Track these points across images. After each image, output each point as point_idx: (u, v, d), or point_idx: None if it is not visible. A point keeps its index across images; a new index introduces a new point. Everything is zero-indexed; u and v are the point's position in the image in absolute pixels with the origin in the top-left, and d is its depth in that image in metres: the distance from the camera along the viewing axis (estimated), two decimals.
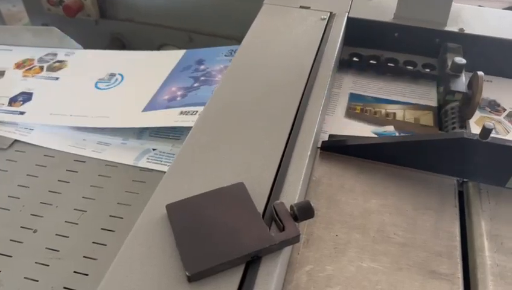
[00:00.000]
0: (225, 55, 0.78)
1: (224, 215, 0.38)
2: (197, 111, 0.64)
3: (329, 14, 0.68)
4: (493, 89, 0.65)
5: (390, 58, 0.68)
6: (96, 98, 0.73)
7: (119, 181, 0.61)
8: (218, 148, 0.46)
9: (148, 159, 0.63)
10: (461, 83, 0.58)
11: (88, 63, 0.82)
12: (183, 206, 0.39)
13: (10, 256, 0.53)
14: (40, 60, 0.83)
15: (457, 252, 0.46)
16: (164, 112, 0.67)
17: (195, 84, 0.72)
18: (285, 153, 0.46)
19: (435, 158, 0.52)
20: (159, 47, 1.14)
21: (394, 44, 0.68)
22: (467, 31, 0.65)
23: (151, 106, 0.69)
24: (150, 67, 0.80)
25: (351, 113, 0.61)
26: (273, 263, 0.36)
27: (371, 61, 0.68)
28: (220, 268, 0.35)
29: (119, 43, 1.19)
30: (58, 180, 0.62)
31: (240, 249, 0.36)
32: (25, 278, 0.50)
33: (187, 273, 0.34)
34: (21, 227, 0.56)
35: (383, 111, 0.61)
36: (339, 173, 0.54)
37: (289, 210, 0.39)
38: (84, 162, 0.65)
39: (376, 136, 0.58)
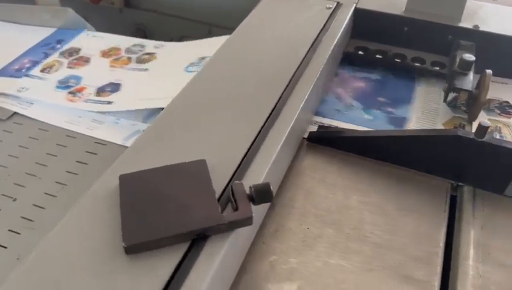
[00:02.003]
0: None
1: (177, 191, 0.36)
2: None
3: (335, 3, 0.65)
4: (507, 90, 0.60)
5: (397, 54, 0.64)
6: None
7: (104, 159, 0.60)
8: (189, 127, 0.44)
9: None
10: (468, 81, 0.54)
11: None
12: (137, 178, 0.37)
13: None
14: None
15: (438, 259, 0.42)
16: (6, 79, 0.72)
17: (42, 60, 0.78)
18: (258, 138, 0.43)
19: (427, 157, 0.48)
20: (180, 39, 1.14)
21: (403, 39, 0.64)
22: (482, 29, 0.60)
23: (1, 73, 0.74)
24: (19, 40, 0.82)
25: None
26: (219, 243, 0.34)
27: (377, 56, 0.65)
28: (161, 243, 0.33)
29: (141, 33, 1.20)
30: (47, 153, 0.62)
31: (185, 225, 0.34)
32: None
33: (123, 245, 0.32)
34: (2, 195, 0.56)
35: None
36: (323, 166, 0.51)
37: (247, 192, 0.37)
38: (75, 138, 0.64)
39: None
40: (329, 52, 0.55)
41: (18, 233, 0.51)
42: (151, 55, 0.80)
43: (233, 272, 0.38)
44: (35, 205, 0.55)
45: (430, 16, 0.62)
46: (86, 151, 0.62)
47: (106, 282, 0.31)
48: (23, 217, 0.53)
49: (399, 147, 0.48)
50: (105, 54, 0.81)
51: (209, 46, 0.75)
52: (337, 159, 0.52)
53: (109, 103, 0.68)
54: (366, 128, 0.54)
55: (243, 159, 0.41)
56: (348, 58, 0.66)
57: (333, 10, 0.63)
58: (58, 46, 0.82)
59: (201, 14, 1.11)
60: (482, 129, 0.43)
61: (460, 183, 0.48)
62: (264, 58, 0.54)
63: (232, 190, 0.36)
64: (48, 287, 0.31)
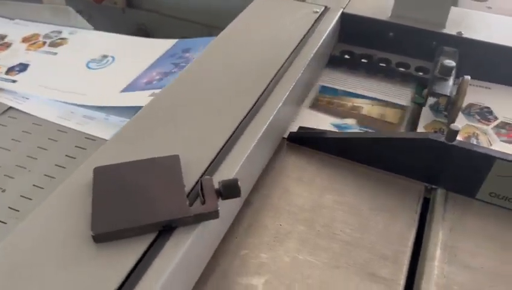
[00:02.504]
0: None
1: (148, 184, 0.38)
2: None
3: (323, 7, 0.66)
4: (490, 96, 0.60)
5: (382, 58, 0.65)
6: (84, 76, 0.76)
7: (92, 154, 0.62)
8: (167, 123, 0.46)
9: None
10: (447, 86, 0.54)
11: (87, 42, 0.85)
12: (110, 171, 0.39)
13: None
14: (46, 36, 0.87)
15: (405, 258, 0.43)
16: (137, 93, 0.68)
17: (174, 70, 0.73)
18: (234, 135, 0.45)
19: (401, 159, 0.49)
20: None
21: (389, 44, 0.65)
22: (465, 35, 0.61)
23: (130, 88, 0.71)
24: (141, 53, 0.81)
25: (316, 105, 0.59)
26: (185, 235, 0.35)
27: (363, 60, 0.66)
28: (128, 233, 0.35)
29: (143, 33, 1.22)
30: (38, 147, 0.64)
31: (152, 216, 0.35)
32: None
33: (92, 233, 0.34)
34: None
35: (350, 104, 0.59)
36: (301, 166, 0.52)
37: (216, 187, 0.38)
38: (66, 132, 0.66)
39: (335, 129, 0.55)
40: (312, 54, 0.57)
41: (4, 223, 0.53)
42: (63, 40, 0.85)
43: (200, 264, 0.39)
44: (22, 196, 0.56)
45: (415, 22, 0.63)
46: (76, 146, 0.64)
47: (73, 269, 0.32)
48: (10, 208, 0.55)
49: (374, 149, 0.49)
50: (25, 39, 0.87)
51: (114, 42, 0.84)
52: (315, 160, 0.53)
53: (13, 81, 0.75)
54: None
55: (216, 156, 0.42)
56: (334, 62, 0.67)
57: (320, 14, 0.65)
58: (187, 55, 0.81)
59: (201, 15, 1.12)
60: (452, 133, 0.44)
61: (434, 186, 0.49)
62: (248, 58, 0.56)
63: (201, 185, 0.38)
64: (16, 272, 0.32)
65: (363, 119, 0.57)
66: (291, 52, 0.57)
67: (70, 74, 0.77)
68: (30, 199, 0.56)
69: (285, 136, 0.55)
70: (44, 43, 0.85)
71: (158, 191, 0.37)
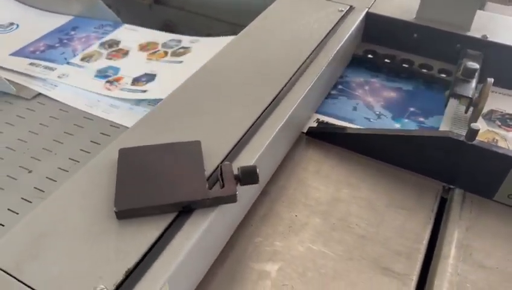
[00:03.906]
0: (94, 28, 0.90)
1: (170, 167, 0.39)
2: (43, 66, 0.78)
3: (348, 7, 0.66)
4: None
5: (405, 59, 0.65)
6: None
7: None
8: (190, 112, 0.47)
9: None
10: (469, 88, 0.54)
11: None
12: (135, 152, 0.40)
13: (2, 189, 0.57)
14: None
15: (420, 255, 0.43)
16: (18, 59, 0.79)
17: (57, 44, 0.84)
18: (254, 125, 0.46)
19: (420, 157, 0.49)
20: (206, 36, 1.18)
21: (412, 45, 0.65)
22: (490, 39, 0.61)
23: (17, 52, 0.81)
24: (43, 24, 0.90)
25: None
26: (203, 217, 0.36)
27: (386, 60, 0.66)
28: (149, 211, 0.36)
29: (169, 29, 1.24)
30: (64, 132, 0.66)
31: (173, 197, 0.36)
32: (8, 209, 0.54)
33: (114, 209, 0.35)
34: (19, 166, 0.60)
35: None
36: (319, 160, 0.53)
37: (235, 172, 0.39)
38: (92, 120, 0.68)
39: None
40: (335, 52, 0.57)
41: (29, 201, 0.55)
42: (186, 49, 0.83)
43: (216, 247, 0.41)
44: (48, 178, 0.58)
45: (439, 24, 0.63)
46: (100, 133, 0.66)
47: (95, 241, 0.34)
48: (35, 188, 0.57)
49: (393, 146, 0.50)
50: (143, 47, 0.84)
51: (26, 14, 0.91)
52: (333, 154, 0.53)
53: (143, 91, 0.72)
54: None
55: (237, 144, 0.43)
56: (357, 61, 0.67)
57: (345, 13, 0.65)
58: (73, 32, 0.89)
59: (227, 13, 1.14)
60: (472, 132, 0.44)
61: (452, 186, 0.49)
62: (271, 54, 0.57)
63: (220, 170, 0.39)
64: (43, 240, 0.34)
65: None
66: (314, 49, 0.57)
67: None
68: (55, 180, 0.58)
69: (305, 130, 0.55)
70: (165, 52, 0.82)
71: (179, 173, 0.38)
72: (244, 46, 0.59)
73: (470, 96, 0.53)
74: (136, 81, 0.75)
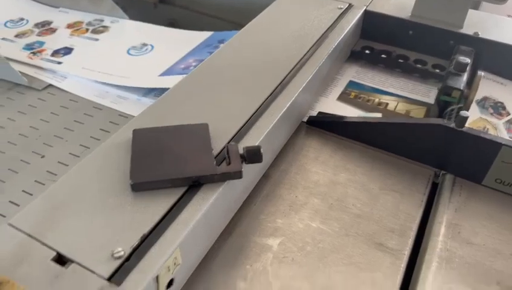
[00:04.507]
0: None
1: (181, 146, 0.42)
2: None
3: (347, 4, 0.70)
4: (504, 91, 0.63)
5: (401, 55, 0.69)
6: (125, 61, 0.81)
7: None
8: (198, 97, 0.50)
9: None
10: (460, 81, 0.57)
11: (127, 31, 0.90)
12: (147, 133, 0.43)
13: (16, 172, 0.60)
14: (89, 23, 0.94)
15: (412, 233, 0.46)
16: (175, 77, 0.74)
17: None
18: (258, 111, 0.49)
19: (413, 144, 0.52)
20: None
21: (408, 41, 0.68)
22: (481, 36, 0.64)
23: (168, 72, 0.77)
24: (179, 42, 0.86)
25: (344, 98, 0.63)
26: (211, 191, 0.39)
27: (382, 56, 0.69)
28: (162, 184, 0.39)
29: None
30: (74, 120, 0.69)
31: (183, 171, 0.39)
32: (22, 191, 0.57)
33: (130, 182, 0.38)
34: (32, 151, 0.63)
35: (376, 100, 0.62)
36: (318, 147, 0.56)
37: (241, 152, 0.42)
38: (101, 109, 0.71)
39: None
40: (333, 47, 0.60)
41: (43, 184, 0.58)
42: (105, 28, 0.92)
43: (223, 219, 0.43)
44: (60, 162, 0.61)
45: (434, 22, 0.66)
46: (110, 122, 0.69)
47: (112, 209, 0.37)
48: (48, 171, 0.60)
49: (387, 133, 0.53)
50: (70, 25, 0.94)
51: (152, 32, 0.91)
52: (331, 142, 0.56)
53: (59, 63, 0.81)
54: None
55: (241, 128, 0.46)
56: (355, 56, 0.70)
57: (344, 10, 0.69)
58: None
59: (231, 13, 1.17)
60: (462, 119, 0.47)
61: (443, 171, 0.52)
62: (273, 47, 0.60)
63: (227, 149, 0.42)
64: (63, 209, 0.37)
65: (388, 115, 0.60)
66: (314, 44, 0.61)
67: (111, 58, 0.83)
68: (67, 165, 0.61)
69: (305, 120, 0.58)
70: (87, 30, 0.91)
71: (189, 152, 0.41)
72: (247, 40, 0.62)
73: (461, 88, 0.56)
74: (55, 53, 0.84)
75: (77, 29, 0.91)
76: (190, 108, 0.49)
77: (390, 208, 0.49)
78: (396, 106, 0.61)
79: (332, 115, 0.58)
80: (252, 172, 0.46)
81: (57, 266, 0.33)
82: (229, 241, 0.44)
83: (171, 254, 0.34)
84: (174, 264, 0.35)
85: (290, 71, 0.55)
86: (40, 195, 0.38)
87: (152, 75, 0.76)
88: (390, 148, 0.54)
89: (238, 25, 1.15)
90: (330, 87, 0.66)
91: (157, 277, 0.33)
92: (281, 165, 0.53)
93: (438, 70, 0.66)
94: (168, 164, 0.40)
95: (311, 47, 0.60)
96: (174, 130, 0.44)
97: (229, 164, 0.41)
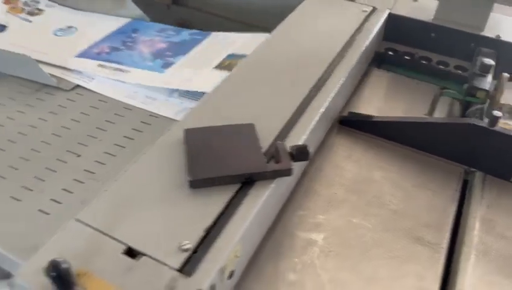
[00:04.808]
0: (156, 31, 0.95)
1: (231, 145, 0.44)
2: (112, 67, 0.82)
3: (372, 8, 0.72)
4: None
5: (424, 57, 0.71)
6: (49, 40, 0.89)
7: (157, 128, 0.68)
8: (240, 95, 0.52)
9: None
10: (486, 82, 0.60)
11: (59, 15, 0.97)
12: (198, 132, 0.45)
13: (55, 171, 0.61)
14: (25, 3, 0.98)
15: (448, 227, 0.48)
16: (86, 60, 0.83)
17: (121, 47, 0.88)
18: (297, 111, 0.51)
19: (443, 143, 0.54)
20: None
21: (430, 44, 0.71)
22: (503, 38, 0.66)
23: (82, 54, 0.85)
24: (102, 28, 0.94)
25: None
26: (264, 188, 0.41)
27: (406, 57, 0.71)
28: (217, 181, 0.41)
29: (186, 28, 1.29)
30: (106, 120, 0.70)
31: (237, 169, 0.41)
32: (62, 189, 0.58)
33: (189, 178, 0.40)
34: (67, 151, 0.65)
35: None
36: (350, 146, 0.58)
37: (288, 150, 0.44)
38: (131, 110, 0.73)
39: None
40: (363, 49, 0.63)
41: (82, 182, 0.60)
42: (40, 11, 0.97)
43: (272, 215, 0.45)
44: (97, 161, 0.63)
45: (456, 24, 0.69)
46: (141, 122, 0.70)
47: (173, 205, 0.39)
48: (86, 170, 0.62)
49: (418, 133, 0.55)
50: (7, 1, 0.98)
51: (80, 17, 0.97)
52: (362, 141, 0.58)
53: None
54: None
55: (284, 126, 0.48)
56: (379, 58, 0.73)
57: (369, 14, 0.71)
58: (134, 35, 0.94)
59: (244, 14, 1.18)
60: (494, 119, 0.49)
61: (473, 169, 0.55)
62: (304, 49, 0.62)
63: (276, 148, 0.44)
64: (127, 206, 0.38)
65: None
66: (343, 46, 0.63)
67: (37, 36, 0.89)
68: (104, 163, 0.63)
69: (336, 119, 0.60)
70: (23, 10, 0.97)
71: (240, 150, 0.43)
72: (278, 43, 0.64)
73: (487, 89, 0.59)
74: None
75: (14, 7, 0.96)
76: (232, 108, 0.50)
77: (424, 204, 0.51)
78: None
79: (362, 114, 0.60)
80: (297, 169, 0.48)
81: (128, 259, 0.34)
82: (273, 237, 0.46)
83: (234, 247, 0.36)
84: (235, 256, 0.37)
85: (324, 72, 0.57)
86: (103, 192, 0.40)
87: (69, 55, 0.84)
88: (420, 147, 0.56)
89: (249, 26, 1.17)
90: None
91: (223, 268, 0.35)
92: (316, 163, 0.55)
93: (460, 72, 0.69)
94: (223, 161, 0.42)
95: (341, 49, 0.62)
96: (223, 130, 0.46)
97: (277, 162, 0.43)
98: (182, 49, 0.88)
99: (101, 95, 0.77)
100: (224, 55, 0.84)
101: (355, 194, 0.51)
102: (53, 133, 0.68)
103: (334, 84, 0.56)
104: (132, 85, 0.77)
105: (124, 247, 0.35)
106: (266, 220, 0.44)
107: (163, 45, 0.90)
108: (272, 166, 0.42)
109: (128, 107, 0.73)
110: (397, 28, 0.72)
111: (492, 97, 0.59)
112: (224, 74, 0.76)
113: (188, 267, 0.34)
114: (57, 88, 0.78)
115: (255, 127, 0.46)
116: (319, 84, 0.55)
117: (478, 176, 0.54)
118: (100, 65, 0.82)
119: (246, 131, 0.46)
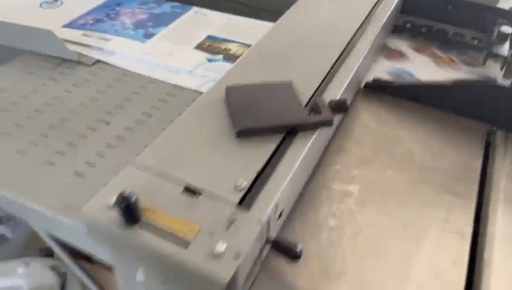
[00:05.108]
0: (138, 4, 0.98)
1: (272, 99, 0.46)
2: (97, 36, 0.85)
3: None
4: None
5: (440, 29, 0.73)
6: (36, 12, 0.93)
7: (182, 99, 0.70)
8: (278, 59, 0.54)
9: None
10: (503, 49, 0.62)
11: None
12: (239, 89, 0.47)
13: (86, 137, 0.63)
14: None
15: (476, 180, 0.51)
16: (72, 30, 0.87)
17: (105, 18, 0.92)
18: (329, 74, 0.53)
19: (468, 102, 0.57)
20: None
21: (446, 16, 0.73)
22: None
23: (68, 25, 0.89)
24: (86, 2, 0.97)
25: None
26: (306, 139, 0.43)
27: (423, 30, 0.74)
28: (263, 131, 0.42)
29: None
30: (131, 92, 0.72)
31: (281, 120, 0.43)
32: (95, 154, 0.60)
33: (236, 129, 0.42)
34: (97, 119, 0.66)
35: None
36: (375, 110, 0.60)
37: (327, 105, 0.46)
38: (154, 82, 0.74)
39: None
40: (384, 21, 0.65)
41: (114, 147, 0.61)
42: None
43: (313, 164, 0.47)
44: (125, 128, 0.64)
45: None
46: (166, 93, 0.72)
47: (224, 152, 0.40)
48: (116, 136, 0.63)
49: (442, 93, 0.57)
50: None
51: None
52: (388, 104, 0.61)
53: None
54: None
55: (319, 86, 0.50)
56: (397, 30, 0.75)
57: None
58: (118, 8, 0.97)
59: None
60: None
61: (495, 128, 0.57)
62: (326, 23, 0.64)
63: (315, 102, 0.46)
64: (181, 152, 0.40)
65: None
66: (364, 20, 0.65)
67: (22, 9, 0.93)
68: (133, 130, 0.64)
69: (361, 86, 0.62)
70: None
71: (281, 104, 0.45)
72: (302, 14, 0.66)
73: (506, 55, 0.61)
74: None
75: None
76: (267, 71, 0.52)
77: (451, 160, 0.53)
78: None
79: (385, 80, 0.62)
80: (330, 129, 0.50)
81: (189, 196, 0.36)
82: (312, 189, 0.48)
83: (285, 187, 0.38)
84: (285, 196, 0.39)
85: (349, 42, 0.59)
86: (156, 140, 0.42)
87: (55, 26, 0.86)
88: (445, 108, 0.58)
89: (258, 10, 1.18)
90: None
91: (276, 205, 0.37)
92: (345, 124, 0.57)
93: (476, 42, 0.71)
94: (266, 113, 0.44)
95: (363, 21, 0.64)
96: (264, 86, 0.48)
97: (318, 114, 0.45)
98: (162, 20, 0.92)
99: (122, 69, 0.78)
100: (204, 36, 0.87)
101: (385, 152, 0.53)
102: (80, 103, 0.70)
103: (360, 51, 0.58)
104: (155, 60, 0.79)
105: (184, 185, 0.37)
106: (308, 168, 0.46)
107: (144, 16, 0.93)
108: (314, 117, 0.44)
109: (151, 81, 0.75)
110: (415, 1, 0.74)
111: (510, 63, 0.61)
112: (204, 54, 0.80)
113: (246, 202, 0.36)
114: (78, 63, 0.79)
115: (292, 84, 0.48)
116: (347, 51, 0.57)
117: (500, 134, 0.56)
118: (84, 34, 0.86)
119: (285, 88, 0.48)
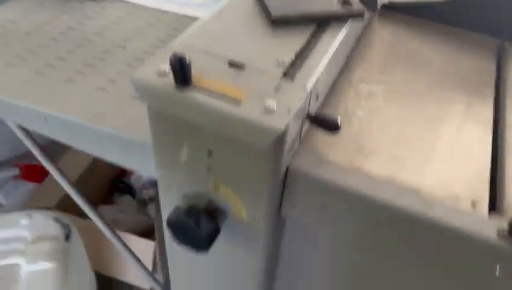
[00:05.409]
0: None
1: None
2: None
3: None
4: None
5: None
6: None
7: None
8: None
9: None
10: None
11: None
12: None
13: (104, 60, 0.63)
14: None
15: (491, 82, 0.53)
16: None
17: None
18: None
19: (480, 17, 0.59)
20: None
21: None
22: None
23: None
24: None
25: None
26: (340, 27, 0.44)
27: None
28: (297, 20, 0.44)
29: None
30: (144, 22, 0.72)
31: (316, 9, 0.44)
32: (116, 72, 0.60)
33: (272, 15, 0.43)
34: (114, 44, 0.66)
35: None
36: (392, 29, 0.62)
37: None
38: (166, 14, 0.75)
39: None
40: None
41: (134, 66, 0.62)
42: None
43: (342, 59, 0.49)
44: (145, 52, 0.65)
45: None
46: (180, 22, 0.72)
47: (262, 35, 0.42)
48: (136, 58, 0.63)
49: (455, 9, 0.59)
50: None
51: None
52: (403, 24, 0.62)
53: None
54: None
55: None
56: None
57: None
58: None
59: None
60: None
61: (506, 41, 0.59)
62: None
63: None
64: (223, 35, 0.41)
65: None
66: None
67: None
68: (152, 52, 0.64)
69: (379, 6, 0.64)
70: None
71: None
72: None
73: None
74: None
75: None
76: None
77: (468, 66, 0.55)
78: None
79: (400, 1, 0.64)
80: (352, 34, 0.52)
81: (235, 69, 0.37)
82: (339, 86, 0.49)
83: (324, 66, 0.40)
84: (322, 77, 0.40)
85: None
86: (193, 27, 0.43)
87: None
88: (457, 24, 0.60)
89: None
90: None
91: (317, 81, 0.38)
92: (365, 39, 0.59)
93: None
94: (299, 3, 0.45)
95: None
96: None
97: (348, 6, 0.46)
98: None
99: (133, 4, 0.78)
100: None
101: (405, 61, 0.55)
102: (94, 32, 0.69)
103: None
104: None
105: (228, 60, 0.38)
106: (339, 60, 0.48)
107: None
108: (346, 8, 0.45)
109: (163, 13, 0.75)
110: None
111: None
112: None
113: (289, 75, 0.37)
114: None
115: None
116: None
117: (509, 45, 0.59)
118: None
119: None
